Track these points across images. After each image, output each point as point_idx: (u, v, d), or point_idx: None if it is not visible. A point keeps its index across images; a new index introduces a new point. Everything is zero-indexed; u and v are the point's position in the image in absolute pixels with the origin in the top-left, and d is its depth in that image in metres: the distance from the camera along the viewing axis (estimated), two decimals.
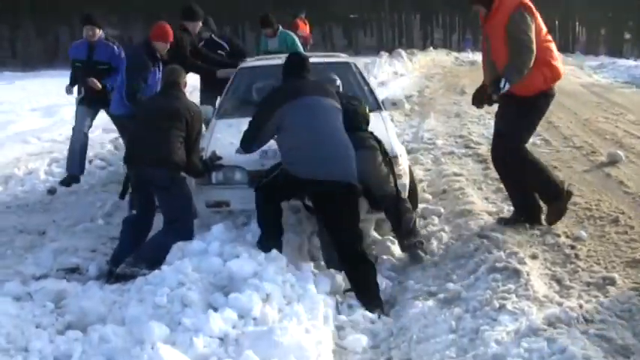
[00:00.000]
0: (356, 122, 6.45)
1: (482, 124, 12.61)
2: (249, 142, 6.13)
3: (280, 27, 11.71)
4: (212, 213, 6.71)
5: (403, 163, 6.80)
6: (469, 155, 10.29)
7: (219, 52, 9.94)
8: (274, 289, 5.01)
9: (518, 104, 6.38)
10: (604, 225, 6.62)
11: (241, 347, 4.38)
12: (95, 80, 9.06)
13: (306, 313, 4.86)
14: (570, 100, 16.72)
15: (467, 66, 31.50)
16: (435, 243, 6.56)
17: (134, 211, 6.54)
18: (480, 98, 6.50)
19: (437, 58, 35.95)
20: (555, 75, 6.39)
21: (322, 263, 6.07)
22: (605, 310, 4.70)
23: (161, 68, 7.98)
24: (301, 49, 11.73)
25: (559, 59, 6.47)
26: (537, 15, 6.32)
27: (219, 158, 6.58)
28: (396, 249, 6.49)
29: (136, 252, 6.03)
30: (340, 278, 5.72)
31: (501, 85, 6.18)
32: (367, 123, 6.63)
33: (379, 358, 4.73)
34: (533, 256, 5.78)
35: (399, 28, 61.59)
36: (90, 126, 9.59)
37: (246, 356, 4.21)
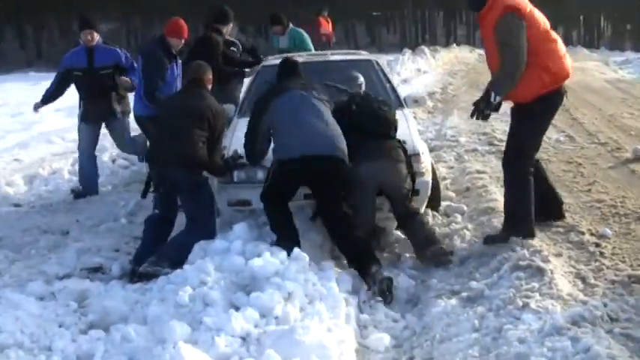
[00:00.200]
0: (386, 128, 6.47)
1: (506, 121, 12.36)
2: (250, 148, 6.36)
3: (291, 25, 11.70)
4: (234, 212, 6.72)
5: (425, 161, 6.78)
6: (492, 152, 10.20)
7: (232, 49, 9.88)
8: (296, 288, 5.01)
9: (517, 112, 6.22)
10: (629, 222, 6.55)
11: (263, 346, 4.39)
12: (127, 79, 8.84)
13: (328, 312, 4.87)
14: (595, 96, 16.60)
15: None
16: (457, 241, 6.51)
17: (157, 211, 6.55)
18: (474, 112, 6.18)
19: (460, 54, 35.73)
20: (557, 77, 6.02)
21: (344, 262, 6.04)
22: (630, 308, 4.66)
23: (179, 64, 7.99)
24: (311, 46, 11.74)
25: (565, 58, 6.11)
26: (535, 16, 6.01)
27: (241, 157, 6.57)
28: None
29: (158, 251, 6.03)
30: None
31: (491, 99, 5.99)
32: (396, 129, 6.60)
33: (401, 357, 4.72)
34: (558, 254, 5.74)
35: (422, 25, 61.35)
36: (96, 144, 9.32)
37: (267, 355, 4.21)
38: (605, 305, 4.67)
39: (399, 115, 7.09)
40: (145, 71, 7.83)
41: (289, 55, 8.57)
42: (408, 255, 6.37)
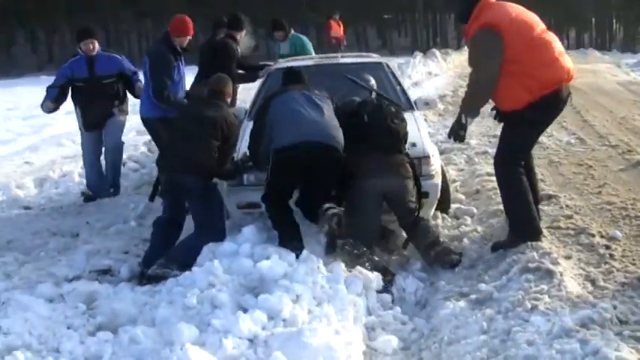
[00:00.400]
0: (397, 143, 6.38)
1: None
2: (255, 150, 6.41)
3: (292, 30, 11.69)
4: (243, 214, 6.71)
5: (435, 164, 6.77)
6: None
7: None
8: (304, 290, 5.01)
9: (509, 118, 6.10)
10: None
11: (270, 348, 4.40)
12: (140, 85, 8.69)
13: (336, 314, 4.86)
14: (606, 99, 16.54)
15: None
16: (467, 243, 6.50)
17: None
18: (450, 134, 6.18)
19: None
20: (546, 83, 5.80)
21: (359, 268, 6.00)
22: None
23: (184, 62, 7.99)
24: (312, 52, 11.70)
25: (557, 61, 5.87)
26: (519, 25, 5.82)
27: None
28: None
29: (167, 254, 6.05)
30: (372, 278, 5.67)
31: (462, 121, 5.97)
32: (405, 142, 6.53)
33: (409, 359, 4.71)
34: (567, 257, 5.70)
35: (433, 29, 61.43)
36: (100, 152, 9.27)
37: (275, 357, 4.22)
38: (615, 307, 4.62)
39: (409, 117, 7.08)
40: (151, 71, 7.83)
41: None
42: (416, 257, 6.34)
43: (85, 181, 9.54)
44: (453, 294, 5.44)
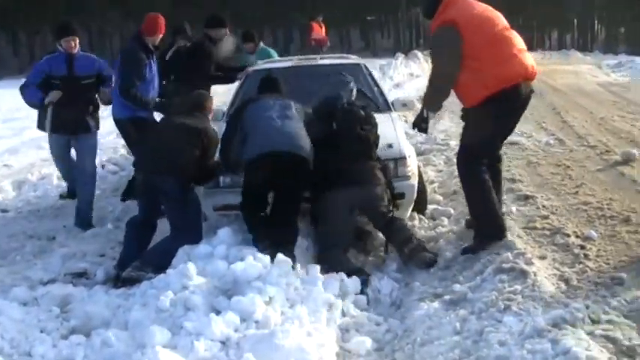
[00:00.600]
0: (367, 149, 6.41)
1: None
2: (225, 155, 6.45)
3: (262, 43, 11.69)
4: (220, 217, 6.70)
5: (412, 164, 6.78)
6: None
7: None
8: (277, 292, 5.00)
9: (468, 114, 6.23)
10: (615, 224, 6.52)
11: (242, 350, 4.39)
12: (105, 90, 8.16)
13: (309, 316, 4.86)
14: (587, 99, 16.64)
15: None
16: (443, 244, 6.50)
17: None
18: (414, 126, 6.39)
19: None
20: (503, 78, 5.81)
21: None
22: (612, 310, 4.62)
23: (155, 60, 7.97)
24: None
25: (516, 57, 5.90)
26: (480, 22, 5.91)
27: None
28: None
29: (142, 256, 6.05)
30: (348, 281, 5.68)
31: (424, 114, 6.12)
32: (377, 147, 6.55)
33: None
34: (542, 257, 5.71)
35: (416, 30, 61.49)
36: (69, 156, 8.49)
37: (246, 359, 4.20)
38: (587, 307, 4.64)
39: (386, 118, 7.09)
40: (121, 68, 7.77)
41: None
42: (392, 259, 6.34)
43: (64, 184, 9.42)
44: (427, 295, 5.44)
